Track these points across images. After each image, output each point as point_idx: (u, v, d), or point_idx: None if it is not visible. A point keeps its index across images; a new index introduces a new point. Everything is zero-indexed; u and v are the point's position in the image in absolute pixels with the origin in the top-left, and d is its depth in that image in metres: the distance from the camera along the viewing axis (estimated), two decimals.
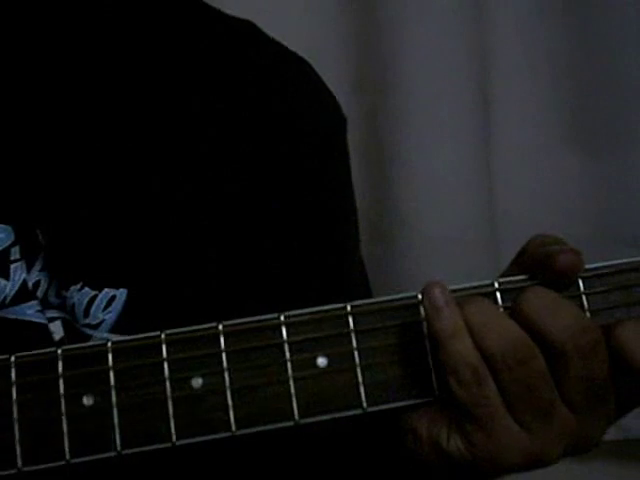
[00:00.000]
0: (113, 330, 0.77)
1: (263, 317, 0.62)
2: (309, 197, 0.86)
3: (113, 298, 0.77)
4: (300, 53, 0.90)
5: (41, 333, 0.76)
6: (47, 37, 0.81)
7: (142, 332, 0.72)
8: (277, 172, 0.84)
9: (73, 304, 0.76)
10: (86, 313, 0.76)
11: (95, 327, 0.76)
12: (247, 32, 0.88)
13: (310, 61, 0.90)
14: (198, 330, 0.62)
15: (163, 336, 0.62)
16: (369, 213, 1.39)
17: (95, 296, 0.76)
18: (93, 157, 0.79)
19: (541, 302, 0.61)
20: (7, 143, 0.78)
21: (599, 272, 0.62)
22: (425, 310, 0.62)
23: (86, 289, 0.76)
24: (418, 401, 0.61)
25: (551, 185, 1.43)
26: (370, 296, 0.89)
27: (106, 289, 0.77)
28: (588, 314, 0.61)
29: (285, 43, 0.89)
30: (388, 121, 1.38)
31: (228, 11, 0.89)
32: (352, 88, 1.39)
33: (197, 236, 0.80)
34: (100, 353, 0.62)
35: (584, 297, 0.62)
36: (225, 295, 0.80)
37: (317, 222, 0.86)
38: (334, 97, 0.90)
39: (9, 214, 0.76)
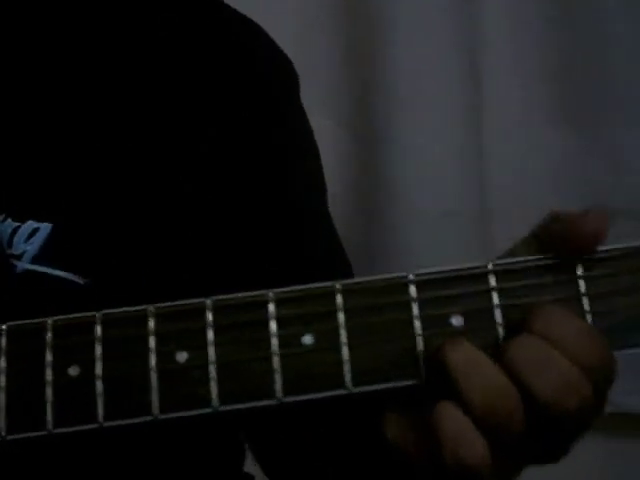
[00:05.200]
0: (34, 261, 0.79)
1: (251, 293, 0.61)
2: (260, 146, 0.87)
3: (36, 230, 0.79)
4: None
5: None
6: (50, 32, 0.84)
7: (64, 266, 0.77)
8: (228, 121, 0.86)
9: None
10: (9, 244, 0.79)
11: (18, 258, 0.79)
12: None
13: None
14: (186, 304, 0.61)
15: (151, 309, 0.61)
16: (360, 189, 1.42)
17: (18, 227, 0.79)
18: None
19: (530, 355, 0.57)
20: None
21: (601, 256, 0.59)
22: None
23: (9, 221, 0.79)
24: (405, 384, 0.59)
25: (538, 159, 1.45)
26: (343, 255, 0.89)
27: (29, 221, 0.79)
28: (586, 299, 0.58)
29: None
30: (380, 99, 1.40)
31: None
32: (343, 66, 1.43)
33: (128, 175, 0.82)
34: (89, 324, 0.61)
35: (581, 281, 0.58)
36: (155, 240, 0.82)
37: (266, 174, 0.87)
38: (285, 55, 0.94)
39: None
